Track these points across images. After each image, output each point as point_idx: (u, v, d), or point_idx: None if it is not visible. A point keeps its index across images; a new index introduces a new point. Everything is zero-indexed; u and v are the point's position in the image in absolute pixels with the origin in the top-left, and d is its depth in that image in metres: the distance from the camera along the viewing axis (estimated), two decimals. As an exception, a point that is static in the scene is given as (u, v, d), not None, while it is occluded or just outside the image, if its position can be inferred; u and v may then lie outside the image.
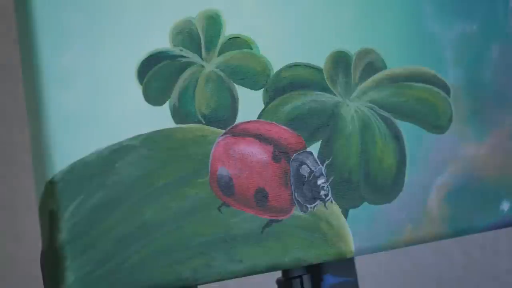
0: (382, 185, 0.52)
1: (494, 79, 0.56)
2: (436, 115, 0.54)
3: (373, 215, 0.52)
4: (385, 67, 0.53)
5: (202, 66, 0.49)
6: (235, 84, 0.50)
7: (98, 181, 0.46)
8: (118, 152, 0.47)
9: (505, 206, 0.55)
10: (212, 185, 0.49)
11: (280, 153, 0.50)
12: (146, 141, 0.47)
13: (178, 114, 0.48)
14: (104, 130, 0.47)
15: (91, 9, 0.47)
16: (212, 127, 0.49)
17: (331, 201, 0.51)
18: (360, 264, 0.61)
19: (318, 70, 0.52)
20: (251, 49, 0.50)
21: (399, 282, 0.92)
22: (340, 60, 0.52)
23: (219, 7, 0.49)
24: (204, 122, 0.49)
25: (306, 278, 0.55)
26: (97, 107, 0.47)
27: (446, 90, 0.55)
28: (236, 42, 0.50)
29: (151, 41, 0.48)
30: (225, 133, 0.49)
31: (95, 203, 0.46)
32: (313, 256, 0.50)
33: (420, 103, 0.54)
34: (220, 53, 0.49)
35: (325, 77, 0.52)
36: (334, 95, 0.52)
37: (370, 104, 0.53)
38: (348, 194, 0.52)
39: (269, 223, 0.50)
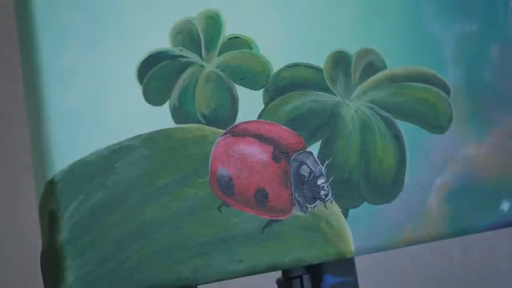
0: (382, 185, 0.52)
1: (494, 79, 0.56)
2: (436, 115, 0.54)
3: (373, 215, 0.52)
4: (385, 67, 0.53)
5: (202, 66, 0.49)
6: (235, 84, 0.50)
7: (98, 181, 0.46)
8: (118, 152, 0.47)
9: (505, 206, 0.55)
10: (212, 185, 0.49)
11: (280, 153, 0.50)
12: (146, 141, 0.47)
13: (178, 114, 0.48)
14: (104, 130, 0.47)
15: (91, 9, 0.47)
16: (212, 127, 0.49)
17: (331, 201, 0.51)
18: (360, 264, 0.61)
19: (318, 70, 0.52)
20: (251, 49, 0.50)
21: (399, 282, 0.92)
22: (340, 60, 0.52)
23: (219, 7, 0.49)
24: (204, 122, 0.49)
25: (306, 278, 0.55)
26: (97, 107, 0.47)
27: (446, 90, 0.55)
28: (236, 42, 0.50)
29: (151, 41, 0.48)
30: (225, 133, 0.49)
31: (95, 203, 0.46)
32: (313, 256, 0.50)
33: (420, 103, 0.54)
34: (220, 53, 0.49)
35: (325, 77, 0.52)
36: (334, 95, 0.52)
37: (370, 104, 0.53)
38: (348, 194, 0.52)
39: (269, 223, 0.50)
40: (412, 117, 0.54)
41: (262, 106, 0.50)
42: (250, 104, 0.50)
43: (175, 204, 0.48)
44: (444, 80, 0.55)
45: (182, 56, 0.49)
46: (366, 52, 0.53)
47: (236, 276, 0.49)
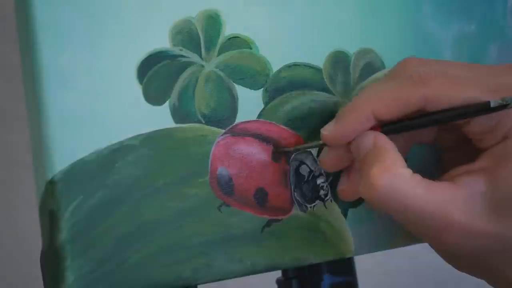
0: (382, 184, 0.52)
1: (493, 79, 0.56)
2: (436, 114, 0.54)
3: (373, 215, 0.52)
4: (383, 66, 0.53)
5: (202, 66, 0.49)
6: (234, 84, 0.50)
7: (98, 181, 0.46)
8: (118, 152, 0.47)
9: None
10: (212, 185, 0.49)
11: (280, 153, 0.50)
12: (146, 140, 0.47)
13: (178, 114, 0.48)
14: (104, 130, 0.47)
15: (91, 8, 0.47)
16: (212, 127, 0.49)
17: (331, 201, 0.51)
18: (360, 264, 0.61)
19: (318, 70, 0.52)
20: (251, 49, 0.50)
21: (399, 282, 0.92)
22: (339, 60, 0.52)
23: (219, 7, 0.50)
24: (204, 122, 0.49)
25: (306, 278, 0.55)
26: (97, 107, 0.47)
27: (446, 89, 0.55)
28: (236, 42, 0.50)
29: (150, 41, 0.48)
30: (225, 133, 0.49)
31: (95, 203, 0.46)
32: (313, 256, 0.50)
33: (420, 102, 0.54)
34: (219, 53, 0.49)
35: (324, 77, 0.52)
36: (333, 94, 0.52)
37: (370, 104, 0.53)
38: (348, 194, 0.52)
39: (269, 223, 0.50)
40: (412, 117, 0.54)
41: (262, 106, 0.50)
42: (249, 103, 0.50)
43: (175, 204, 0.48)
44: (443, 80, 0.54)
45: (182, 56, 0.49)
46: (365, 52, 0.53)
47: (236, 276, 0.49)
